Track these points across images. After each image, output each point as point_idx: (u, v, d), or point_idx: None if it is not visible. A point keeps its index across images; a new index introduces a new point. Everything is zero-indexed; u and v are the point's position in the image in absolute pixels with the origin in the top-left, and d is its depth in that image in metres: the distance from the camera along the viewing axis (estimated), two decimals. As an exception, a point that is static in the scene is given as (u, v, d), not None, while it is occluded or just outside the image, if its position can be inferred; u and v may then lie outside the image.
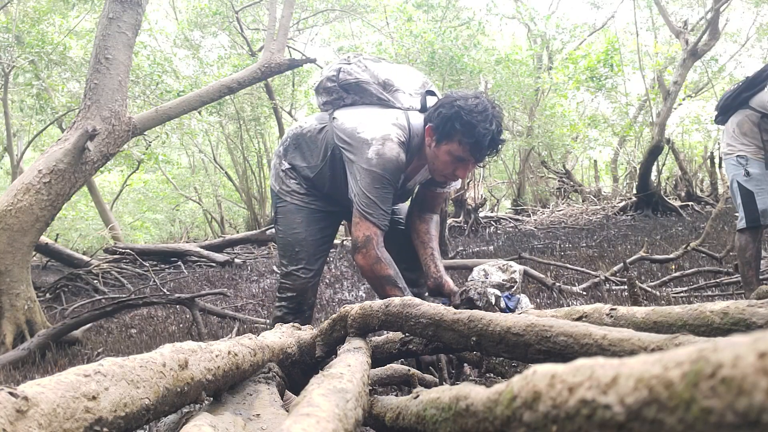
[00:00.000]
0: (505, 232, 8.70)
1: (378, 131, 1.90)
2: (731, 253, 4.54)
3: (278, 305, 2.13)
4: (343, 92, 2.10)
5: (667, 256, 4.58)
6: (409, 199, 2.31)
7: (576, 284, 4.08)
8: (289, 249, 2.10)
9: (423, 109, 2.04)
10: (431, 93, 2.14)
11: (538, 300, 3.80)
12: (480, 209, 9.36)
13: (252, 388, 1.14)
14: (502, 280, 1.87)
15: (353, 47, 13.50)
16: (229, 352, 1.04)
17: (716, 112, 3.27)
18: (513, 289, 1.85)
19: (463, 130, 1.79)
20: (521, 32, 17.41)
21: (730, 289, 3.54)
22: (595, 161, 15.94)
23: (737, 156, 3.07)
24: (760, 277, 3.09)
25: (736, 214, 3.13)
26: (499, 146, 1.87)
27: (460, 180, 2.11)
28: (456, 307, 1.52)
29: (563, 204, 12.70)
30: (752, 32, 15.52)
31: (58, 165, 3.35)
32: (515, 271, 1.94)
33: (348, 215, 2.26)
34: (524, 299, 1.84)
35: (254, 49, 11.46)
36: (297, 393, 1.33)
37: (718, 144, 12.03)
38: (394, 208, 2.27)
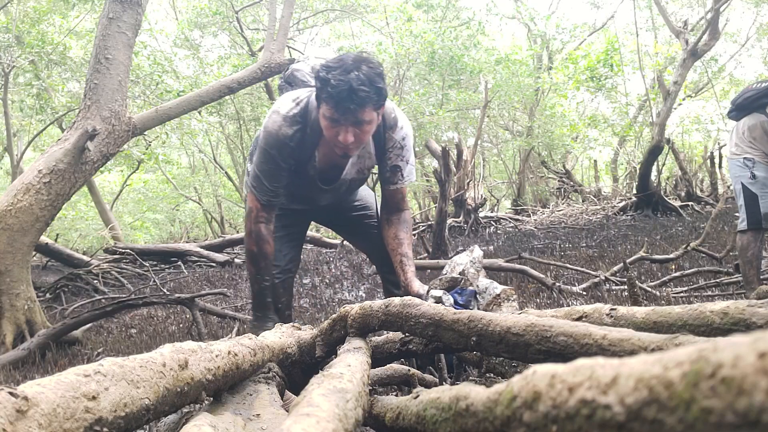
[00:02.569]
0: (505, 232, 8.70)
1: (273, 107, 1.92)
2: (731, 253, 4.54)
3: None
4: (287, 85, 2.19)
5: (667, 256, 4.58)
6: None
7: (576, 284, 4.08)
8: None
9: None
10: None
11: (538, 300, 3.80)
12: (480, 209, 9.36)
13: (252, 388, 1.14)
14: (458, 273, 1.87)
15: (353, 47, 13.51)
16: (229, 352, 1.04)
17: (732, 106, 3.20)
18: (462, 282, 1.83)
19: (321, 87, 1.71)
20: (521, 32, 17.42)
21: (730, 289, 3.54)
22: (595, 161, 15.94)
23: (744, 158, 3.05)
24: (761, 276, 3.09)
25: (737, 215, 3.13)
26: (365, 95, 1.67)
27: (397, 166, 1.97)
28: None
29: (563, 204, 12.70)
30: (752, 32, 15.52)
31: (58, 165, 3.35)
32: (465, 263, 1.89)
33: (316, 213, 2.28)
34: (486, 284, 1.80)
35: (254, 49, 11.46)
36: (297, 393, 1.33)
37: (718, 144, 12.03)
38: (370, 213, 2.24)
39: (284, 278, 2.14)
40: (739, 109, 3.13)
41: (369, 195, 2.33)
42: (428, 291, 1.81)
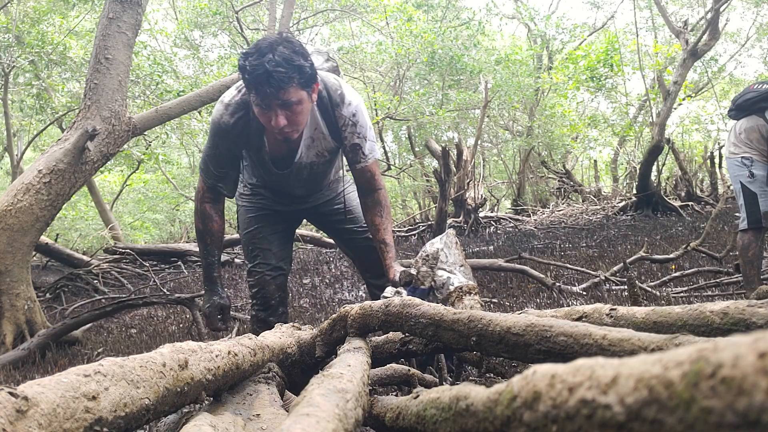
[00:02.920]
0: (505, 232, 8.70)
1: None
2: (731, 253, 4.54)
3: (251, 303, 2.25)
4: None
5: (667, 256, 4.58)
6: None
7: (576, 284, 4.08)
8: (246, 247, 2.22)
9: None
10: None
11: (538, 300, 3.80)
12: (480, 209, 9.36)
13: (252, 388, 1.14)
14: (428, 260, 1.88)
15: (353, 47, 13.51)
16: (229, 352, 1.04)
17: (732, 105, 3.18)
18: (414, 281, 1.84)
19: (242, 75, 1.71)
20: (521, 32, 17.42)
21: (730, 289, 3.54)
22: (595, 161, 15.94)
23: (742, 157, 3.04)
24: (762, 276, 3.09)
25: (737, 214, 3.13)
26: (282, 76, 1.63)
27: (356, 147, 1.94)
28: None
29: (563, 204, 12.70)
30: (752, 32, 15.52)
31: (58, 165, 3.35)
32: (436, 249, 1.87)
33: (300, 214, 2.28)
34: (444, 279, 1.79)
35: (254, 49, 11.44)
36: (297, 393, 1.33)
37: (718, 144, 12.03)
38: (353, 218, 2.23)
39: (275, 275, 2.17)
40: (738, 109, 3.11)
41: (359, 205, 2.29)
42: (385, 289, 1.84)
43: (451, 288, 1.77)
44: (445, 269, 1.86)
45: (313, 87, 1.77)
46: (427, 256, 1.86)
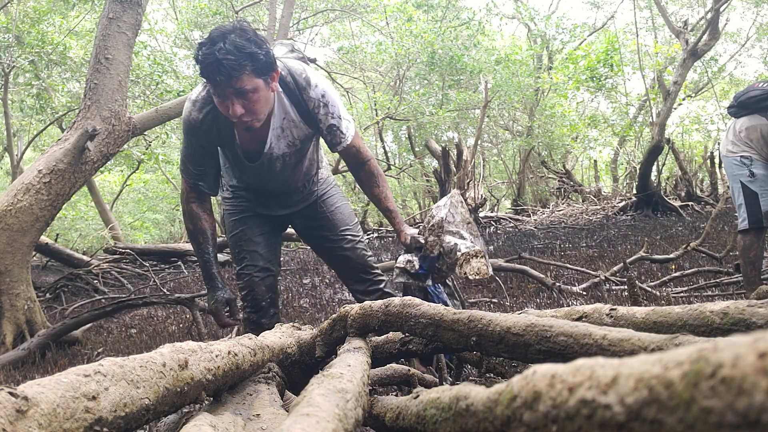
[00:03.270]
0: (505, 232, 8.70)
1: None
2: (731, 253, 4.54)
3: (242, 306, 2.24)
4: None
5: (667, 256, 4.58)
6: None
7: (576, 284, 4.09)
8: (233, 250, 2.22)
9: None
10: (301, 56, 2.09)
11: (538, 300, 3.80)
12: (480, 209, 9.36)
13: (252, 388, 1.14)
14: (437, 222, 1.94)
15: (353, 47, 13.51)
16: (229, 352, 1.04)
17: (733, 102, 3.08)
18: (423, 250, 1.90)
19: (196, 63, 1.71)
20: (521, 32, 17.42)
21: (730, 289, 3.54)
22: (595, 161, 15.94)
23: (741, 156, 2.98)
24: (762, 277, 3.06)
25: (736, 215, 3.10)
26: (232, 63, 1.63)
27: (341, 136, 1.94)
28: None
29: (563, 204, 12.70)
30: (752, 32, 15.52)
31: (58, 165, 3.35)
32: (444, 212, 1.93)
33: (286, 219, 2.29)
34: (451, 246, 1.85)
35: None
36: (297, 393, 1.33)
37: (718, 144, 12.02)
38: (330, 225, 2.24)
39: (263, 276, 2.18)
40: (740, 107, 3.03)
41: (344, 218, 2.28)
42: (398, 258, 1.92)
43: (459, 254, 1.81)
44: (452, 230, 1.92)
45: (271, 75, 1.75)
46: (433, 225, 1.89)
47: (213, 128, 1.88)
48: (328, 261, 2.37)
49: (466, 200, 8.77)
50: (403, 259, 1.92)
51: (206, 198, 2.05)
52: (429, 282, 1.92)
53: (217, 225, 2.15)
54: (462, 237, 1.93)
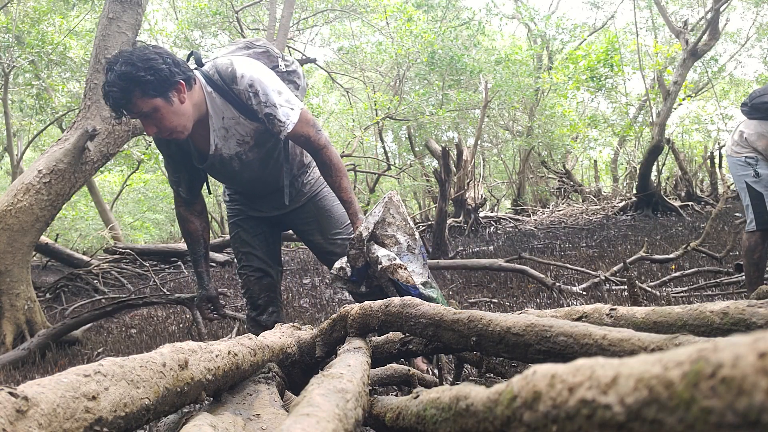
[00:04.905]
0: (505, 232, 8.70)
1: None
2: (731, 253, 4.54)
3: (244, 303, 2.38)
4: None
5: (667, 256, 4.58)
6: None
7: (576, 284, 4.09)
8: (233, 250, 2.34)
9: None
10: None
11: (538, 300, 3.80)
12: (480, 209, 9.36)
13: (252, 388, 1.14)
14: (369, 228, 1.96)
15: (353, 47, 13.51)
16: (229, 352, 1.04)
17: (747, 101, 2.96)
18: (354, 261, 1.92)
19: None
20: (521, 32, 17.42)
21: (730, 289, 3.54)
22: (595, 161, 15.95)
23: (746, 156, 2.94)
24: (765, 278, 3.04)
25: (737, 214, 3.08)
26: (117, 95, 1.66)
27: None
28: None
29: (563, 204, 12.70)
30: (752, 32, 15.52)
31: (58, 165, 3.35)
32: (377, 219, 1.96)
33: (280, 220, 2.29)
34: (377, 256, 1.86)
35: (254, 49, 11.44)
36: (297, 393, 1.33)
37: (718, 144, 12.03)
38: (321, 229, 2.25)
39: (259, 276, 2.24)
40: (753, 109, 2.92)
41: (335, 221, 2.27)
42: (334, 264, 1.98)
43: (379, 267, 1.84)
44: (387, 233, 1.97)
45: (174, 90, 1.74)
46: (353, 240, 1.90)
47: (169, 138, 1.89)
48: (323, 263, 2.38)
49: (466, 200, 8.78)
50: (337, 265, 1.95)
51: (192, 202, 2.13)
52: (363, 288, 1.93)
53: (208, 226, 2.21)
54: (397, 241, 1.96)
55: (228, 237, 8.72)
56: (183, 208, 2.13)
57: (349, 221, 2.15)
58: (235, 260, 2.34)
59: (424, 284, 1.92)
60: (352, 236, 2.02)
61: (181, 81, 1.76)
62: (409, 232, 2.02)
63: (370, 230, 1.92)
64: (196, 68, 1.93)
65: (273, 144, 2.02)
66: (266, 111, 1.85)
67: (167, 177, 2.16)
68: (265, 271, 2.26)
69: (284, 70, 2.15)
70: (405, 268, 1.86)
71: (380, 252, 1.88)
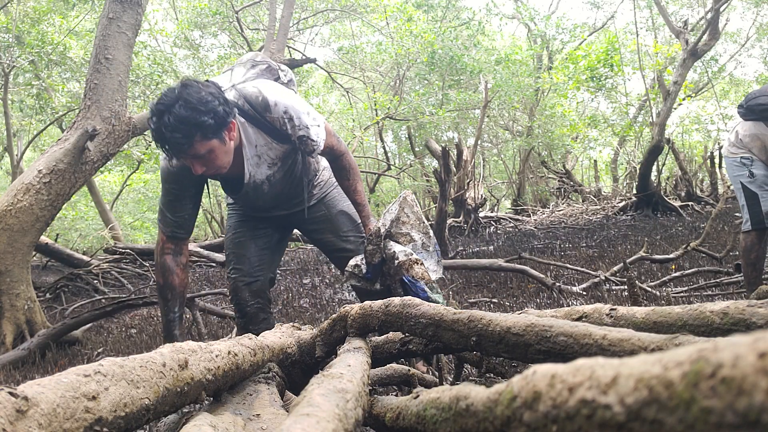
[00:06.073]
0: (505, 232, 8.70)
1: None
2: (731, 253, 4.54)
3: (233, 310, 2.28)
4: None
5: (667, 256, 4.58)
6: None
7: (576, 284, 4.09)
8: (225, 251, 2.26)
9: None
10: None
11: (538, 300, 3.80)
12: (480, 209, 9.35)
13: (252, 388, 1.14)
14: (385, 226, 2.02)
15: (353, 47, 13.50)
16: (229, 352, 1.04)
17: (743, 103, 2.97)
18: (369, 257, 1.96)
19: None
20: (521, 32, 17.42)
21: (730, 289, 3.54)
22: (595, 161, 15.94)
23: (742, 156, 2.95)
24: (763, 278, 3.05)
25: (737, 214, 3.09)
26: (179, 140, 1.64)
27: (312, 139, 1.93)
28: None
29: (563, 204, 12.70)
30: (752, 32, 15.52)
31: (58, 165, 3.35)
32: (392, 217, 2.01)
33: (286, 219, 2.26)
34: (391, 253, 1.92)
35: (254, 49, 11.46)
36: (297, 393, 1.33)
37: (718, 144, 12.03)
38: (331, 228, 2.23)
39: (249, 281, 2.14)
40: (748, 111, 2.95)
41: (346, 220, 2.26)
42: (348, 262, 2.01)
43: (396, 263, 1.88)
44: (401, 232, 2.01)
45: (226, 129, 1.74)
46: (371, 236, 1.95)
47: (190, 173, 1.85)
48: (334, 261, 2.36)
49: (466, 200, 8.78)
50: (352, 262, 2.00)
51: (182, 250, 1.99)
52: (378, 285, 1.97)
53: (188, 280, 2.06)
54: (412, 239, 2.00)
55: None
56: (170, 256, 1.96)
57: (359, 220, 2.21)
58: (226, 261, 2.21)
59: (431, 288, 1.93)
60: (364, 234, 2.08)
61: (233, 120, 1.77)
62: (424, 230, 2.05)
63: (387, 227, 1.98)
64: None
65: (294, 159, 2.06)
66: (300, 134, 1.90)
67: (162, 219, 1.96)
68: (256, 275, 2.16)
69: (285, 81, 2.16)
70: (421, 264, 1.88)
71: (397, 248, 1.92)
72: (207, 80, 1.83)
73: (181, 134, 1.63)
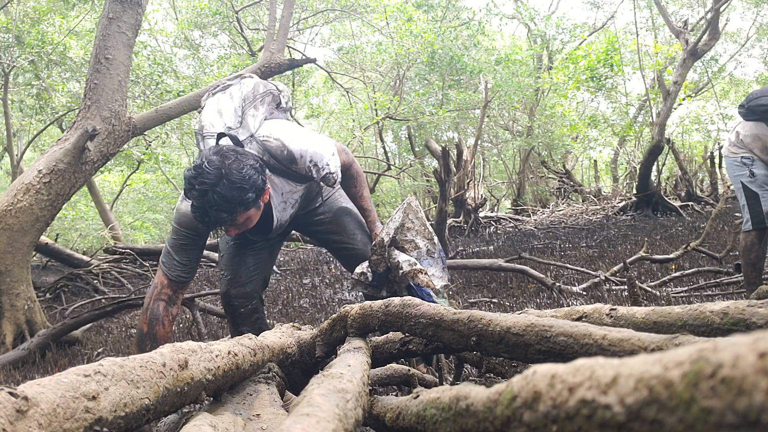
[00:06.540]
0: (505, 232, 8.70)
1: None
2: (731, 253, 4.54)
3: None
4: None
5: (667, 256, 4.58)
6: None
7: (576, 284, 4.09)
8: (218, 266, 2.28)
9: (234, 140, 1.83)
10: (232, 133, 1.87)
11: (538, 300, 3.80)
12: (480, 209, 9.35)
13: (252, 388, 1.14)
14: (391, 233, 2.03)
15: (353, 47, 13.50)
16: (229, 352, 1.04)
17: (744, 103, 2.96)
18: (375, 267, 1.99)
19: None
20: (521, 32, 17.42)
21: (730, 289, 3.54)
22: (595, 161, 15.94)
23: (742, 156, 2.95)
24: (763, 278, 3.04)
25: (737, 214, 3.09)
26: (224, 217, 1.64)
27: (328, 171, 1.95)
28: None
29: (563, 204, 12.70)
30: (752, 32, 15.52)
31: (58, 165, 3.34)
32: (396, 224, 2.04)
33: (300, 220, 2.25)
34: (397, 261, 1.95)
35: (254, 49, 11.47)
36: (297, 393, 1.33)
37: (718, 144, 12.03)
38: (337, 229, 2.23)
39: (237, 290, 2.13)
40: (749, 111, 2.94)
41: (353, 220, 2.25)
42: (354, 269, 2.04)
43: (400, 273, 1.92)
44: (406, 238, 2.04)
45: (261, 199, 1.75)
46: (375, 246, 1.99)
47: None
48: (341, 260, 2.35)
49: (466, 200, 8.78)
50: (358, 270, 2.02)
51: (178, 297, 1.92)
52: (384, 293, 2.00)
53: (169, 339, 1.89)
54: (416, 246, 2.03)
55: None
56: (164, 304, 1.87)
57: (364, 220, 2.25)
58: (218, 273, 2.17)
59: (437, 293, 1.94)
60: (370, 234, 2.11)
61: (267, 189, 1.78)
62: (428, 236, 2.07)
63: (390, 236, 2.00)
64: None
65: (310, 187, 2.12)
66: (323, 174, 1.94)
67: (168, 262, 1.89)
68: (250, 297, 2.14)
69: (285, 105, 2.14)
70: (425, 273, 1.91)
71: (401, 257, 1.95)
72: (232, 140, 1.78)
73: (226, 213, 1.64)
